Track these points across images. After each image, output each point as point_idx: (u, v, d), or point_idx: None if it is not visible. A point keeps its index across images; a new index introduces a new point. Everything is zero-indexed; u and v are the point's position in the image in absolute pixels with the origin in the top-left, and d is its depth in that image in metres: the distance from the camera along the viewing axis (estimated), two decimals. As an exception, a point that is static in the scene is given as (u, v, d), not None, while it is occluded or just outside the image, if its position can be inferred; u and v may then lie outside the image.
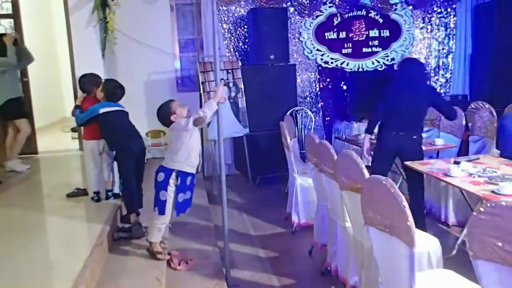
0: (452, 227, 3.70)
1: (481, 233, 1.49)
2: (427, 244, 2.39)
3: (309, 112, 5.62)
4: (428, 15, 6.33)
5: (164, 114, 2.73)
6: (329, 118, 6.19)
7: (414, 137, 3.37)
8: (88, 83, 3.37)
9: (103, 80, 3.39)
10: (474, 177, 2.76)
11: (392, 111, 3.35)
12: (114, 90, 3.21)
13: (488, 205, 1.47)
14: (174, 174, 2.69)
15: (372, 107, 3.55)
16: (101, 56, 5.11)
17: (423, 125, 3.51)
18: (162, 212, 2.71)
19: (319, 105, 6.16)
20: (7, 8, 5.24)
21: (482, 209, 1.48)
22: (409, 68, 3.49)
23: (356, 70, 6.13)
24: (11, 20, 5.26)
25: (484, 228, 1.48)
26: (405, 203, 1.77)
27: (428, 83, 4.26)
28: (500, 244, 1.43)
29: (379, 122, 3.47)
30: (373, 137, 3.64)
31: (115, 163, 3.29)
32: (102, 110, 3.13)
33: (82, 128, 3.58)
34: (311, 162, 3.15)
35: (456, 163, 3.06)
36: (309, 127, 5.55)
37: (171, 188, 2.70)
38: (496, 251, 1.45)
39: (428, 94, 3.42)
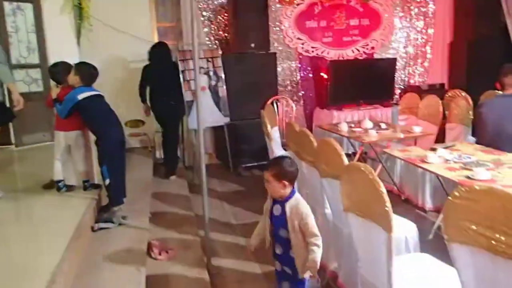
0: (429, 213, 3.79)
1: (456, 217, 1.52)
2: (404, 229, 2.44)
3: (290, 101, 5.62)
4: (407, 4, 6.39)
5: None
6: (309, 107, 6.22)
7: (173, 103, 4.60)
8: (61, 72, 3.25)
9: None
10: (450, 163, 2.82)
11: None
12: (89, 71, 3.13)
13: (463, 190, 1.50)
14: None
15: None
16: (76, 44, 4.97)
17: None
18: None
19: (300, 94, 6.17)
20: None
21: (457, 194, 1.51)
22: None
23: (336, 58, 6.16)
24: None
25: (459, 212, 1.51)
26: (383, 189, 1.79)
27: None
28: (474, 227, 1.46)
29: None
30: None
31: (94, 153, 3.22)
32: (80, 97, 3.03)
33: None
34: (292, 150, 3.16)
35: (433, 149, 3.11)
36: (290, 115, 5.55)
37: None
38: (470, 235, 1.48)
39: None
